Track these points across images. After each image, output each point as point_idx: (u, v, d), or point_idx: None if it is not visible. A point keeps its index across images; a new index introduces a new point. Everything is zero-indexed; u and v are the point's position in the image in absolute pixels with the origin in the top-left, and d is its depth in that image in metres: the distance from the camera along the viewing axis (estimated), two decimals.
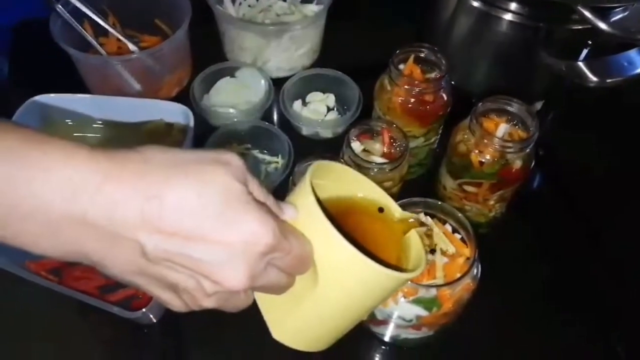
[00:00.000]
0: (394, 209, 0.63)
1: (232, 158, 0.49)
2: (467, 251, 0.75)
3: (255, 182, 0.50)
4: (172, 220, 0.44)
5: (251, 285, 0.49)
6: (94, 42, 1.08)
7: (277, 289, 0.54)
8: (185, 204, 0.45)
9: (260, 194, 0.50)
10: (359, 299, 0.55)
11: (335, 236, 0.50)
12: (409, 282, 0.68)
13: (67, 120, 0.99)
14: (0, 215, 0.43)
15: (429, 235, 0.76)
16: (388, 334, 0.81)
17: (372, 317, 0.78)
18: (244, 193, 0.48)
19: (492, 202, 0.90)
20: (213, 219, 0.45)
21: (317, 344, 0.60)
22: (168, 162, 0.47)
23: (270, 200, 0.51)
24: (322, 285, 0.53)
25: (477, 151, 0.83)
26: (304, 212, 0.53)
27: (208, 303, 0.49)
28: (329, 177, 0.59)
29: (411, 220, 0.62)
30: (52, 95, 0.96)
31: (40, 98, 0.96)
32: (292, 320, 0.57)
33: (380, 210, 0.62)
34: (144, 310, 0.75)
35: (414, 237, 0.62)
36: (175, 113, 0.96)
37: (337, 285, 0.53)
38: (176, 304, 0.50)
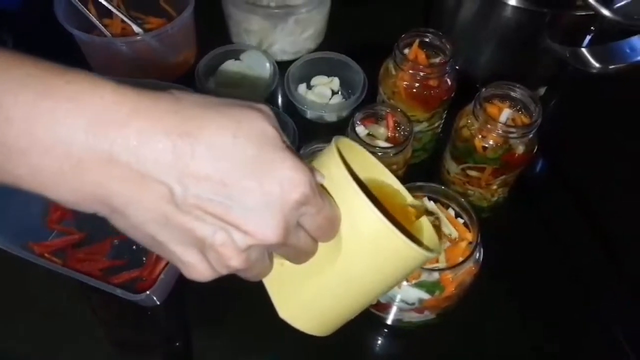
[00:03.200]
0: (405, 195, 0.63)
1: (264, 106, 0.46)
2: (469, 235, 0.76)
3: (284, 136, 0.47)
4: (206, 161, 0.41)
5: (284, 240, 0.45)
6: (98, 24, 1.08)
7: (301, 255, 0.51)
8: (221, 144, 0.42)
9: (291, 146, 0.47)
10: (380, 275, 0.54)
11: (368, 205, 0.49)
12: None
13: None
14: (19, 149, 0.39)
15: (436, 225, 0.76)
16: (390, 317, 0.82)
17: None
18: (279, 139, 0.45)
19: (494, 187, 0.90)
20: (249, 162, 0.43)
21: (324, 327, 0.58)
22: (200, 102, 0.44)
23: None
24: (344, 258, 0.51)
25: (480, 136, 0.83)
26: (331, 178, 0.51)
27: (236, 262, 0.46)
28: (345, 155, 0.56)
29: (419, 207, 0.62)
30: None
31: None
32: (304, 296, 0.55)
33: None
34: (147, 292, 0.75)
35: (425, 222, 0.62)
36: None
37: (361, 258, 0.52)
38: (200, 268, 0.47)
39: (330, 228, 0.50)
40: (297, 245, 0.49)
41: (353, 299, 0.56)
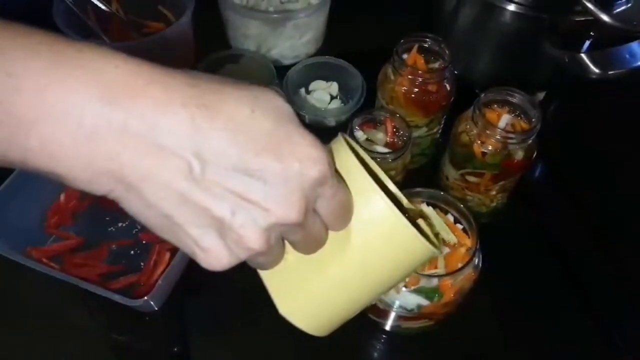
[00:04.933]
0: (401, 198, 0.63)
1: (277, 89, 0.45)
2: (468, 241, 0.75)
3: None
4: (225, 134, 0.40)
5: (303, 220, 0.44)
6: (97, 29, 1.08)
7: (312, 243, 0.50)
8: (239, 117, 0.41)
9: None
10: (386, 269, 0.53)
11: (380, 196, 0.49)
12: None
13: None
14: (30, 119, 0.37)
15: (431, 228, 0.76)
16: (389, 323, 0.82)
17: (373, 306, 0.79)
18: (295, 115, 0.44)
19: (493, 193, 0.90)
20: (267, 137, 0.42)
21: (324, 325, 0.56)
22: (216, 79, 0.43)
23: None
24: (352, 251, 0.50)
25: (479, 142, 0.83)
26: (340, 168, 0.50)
27: (257, 244, 0.43)
28: None
29: (414, 211, 0.62)
30: None
31: None
32: (306, 291, 0.53)
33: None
34: (145, 298, 0.75)
35: (422, 224, 0.62)
36: None
37: (369, 251, 0.51)
38: (219, 253, 0.44)
39: (344, 214, 0.49)
40: (312, 230, 0.48)
41: (357, 297, 0.55)
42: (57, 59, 0.38)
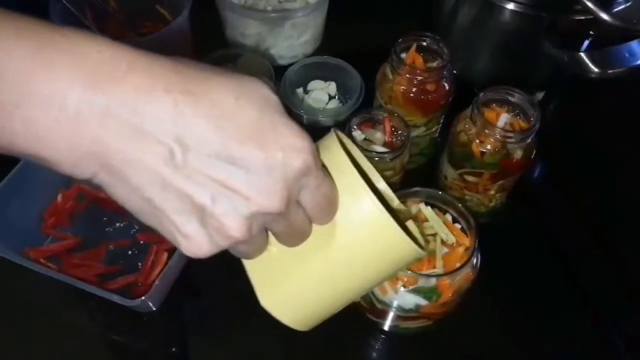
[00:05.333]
0: (392, 199, 0.63)
1: (265, 78, 0.45)
2: (467, 241, 0.75)
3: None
4: (208, 121, 0.40)
5: (285, 210, 0.44)
6: (94, 28, 1.07)
7: (295, 236, 0.50)
8: (223, 104, 0.41)
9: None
10: (370, 268, 0.52)
11: (368, 194, 0.49)
12: (409, 271, 0.69)
13: None
14: (14, 103, 0.38)
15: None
16: (387, 323, 0.82)
17: (371, 306, 0.78)
18: (281, 105, 0.44)
19: (492, 192, 0.90)
20: (251, 125, 0.42)
21: (306, 320, 0.56)
22: (201, 66, 0.43)
23: None
24: (336, 247, 0.50)
25: (478, 141, 0.83)
26: (331, 163, 0.50)
27: (238, 232, 0.43)
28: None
29: (404, 212, 0.62)
30: None
31: None
32: (289, 285, 0.53)
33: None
34: (143, 298, 0.75)
35: (410, 227, 0.62)
36: None
37: (354, 248, 0.51)
38: (200, 240, 0.44)
39: (328, 208, 0.49)
40: (295, 222, 0.48)
41: (339, 292, 0.55)
42: (41, 43, 0.38)
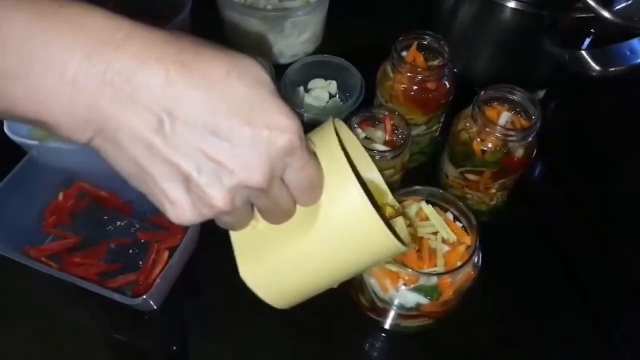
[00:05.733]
0: (387, 193, 0.63)
1: (261, 59, 0.47)
2: (468, 239, 0.75)
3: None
4: (198, 93, 0.42)
5: (267, 186, 0.46)
6: None
7: (278, 213, 0.52)
8: (214, 77, 0.42)
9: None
10: (349, 255, 0.54)
11: (352, 179, 0.50)
12: (410, 270, 0.69)
13: None
14: (15, 71, 0.40)
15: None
16: (388, 322, 0.81)
17: (372, 305, 0.78)
18: (272, 86, 0.46)
19: (493, 191, 0.90)
20: (240, 101, 0.43)
21: (281, 297, 0.57)
22: (197, 40, 0.44)
23: None
24: (318, 230, 0.52)
25: (479, 139, 0.83)
26: (322, 149, 0.52)
27: (221, 202, 0.45)
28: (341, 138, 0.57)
29: (397, 208, 0.63)
30: None
31: None
32: (269, 261, 0.55)
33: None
34: (144, 296, 0.75)
35: (400, 223, 0.63)
36: None
37: (335, 234, 0.52)
38: (185, 207, 0.46)
39: (311, 190, 0.51)
40: (278, 199, 0.49)
41: (316, 275, 0.56)
42: (40, 13, 0.40)
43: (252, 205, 0.51)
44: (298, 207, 0.53)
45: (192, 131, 0.42)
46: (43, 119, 0.42)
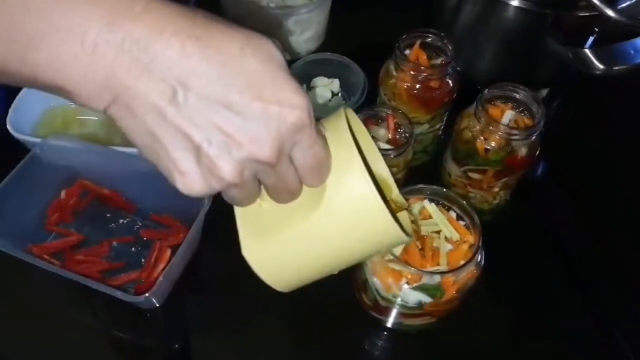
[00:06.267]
0: (393, 187, 0.64)
1: (274, 39, 0.47)
2: (471, 238, 0.75)
3: None
4: (212, 66, 0.43)
5: (276, 161, 0.47)
6: None
7: (284, 192, 0.52)
8: (228, 52, 0.43)
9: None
10: (351, 242, 0.55)
11: (359, 166, 0.50)
12: (413, 268, 0.69)
13: (69, 103, 0.99)
14: (38, 37, 0.41)
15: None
16: (390, 320, 0.81)
17: (374, 303, 0.78)
18: (284, 63, 0.47)
19: (496, 190, 0.90)
20: (252, 76, 0.44)
21: (282, 280, 0.58)
22: (213, 16, 0.45)
23: None
24: (322, 214, 0.52)
25: (482, 138, 0.83)
26: (332, 134, 0.53)
27: (229, 175, 0.46)
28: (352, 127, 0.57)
29: (401, 203, 0.64)
30: None
31: None
32: (272, 241, 0.55)
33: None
34: (147, 294, 0.75)
35: (403, 218, 0.64)
36: None
37: (338, 218, 0.53)
38: (194, 177, 0.46)
39: (318, 170, 0.51)
40: (285, 176, 0.50)
41: (317, 258, 0.56)
42: None
43: (259, 184, 0.52)
44: (304, 189, 0.53)
45: (205, 103, 0.43)
46: (62, 86, 0.43)
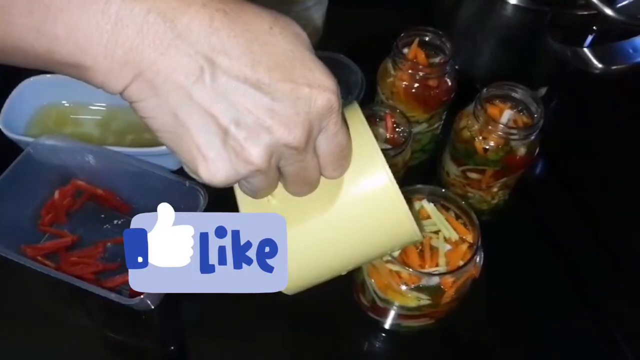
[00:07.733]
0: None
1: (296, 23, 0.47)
2: (470, 238, 0.75)
3: None
4: (241, 41, 0.41)
5: (303, 147, 0.45)
6: None
7: (303, 182, 0.50)
8: (258, 29, 0.42)
9: None
10: (366, 237, 0.54)
11: (381, 160, 0.50)
12: (412, 270, 0.69)
13: (63, 102, 0.99)
14: (58, 6, 0.39)
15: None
16: (389, 321, 0.81)
17: (372, 304, 0.78)
18: (311, 46, 0.45)
19: (495, 189, 0.89)
20: (282, 55, 0.42)
21: (292, 282, 0.54)
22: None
23: None
24: (338, 208, 0.51)
25: (481, 137, 0.82)
26: (350, 127, 0.51)
27: (257, 158, 0.43)
28: None
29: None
30: (48, 75, 0.95)
31: (36, 79, 0.95)
32: None
33: None
34: (141, 296, 0.74)
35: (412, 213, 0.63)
36: None
37: (355, 211, 0.52)
38: (220, 164, 0.44)
39: (341, 159, 0.50)
40: (308, 165, 0.48)
41: (328, 257, 0.55)
42: None
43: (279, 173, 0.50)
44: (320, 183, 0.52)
45: (233, 82, 0.41)
46: (80, 62, 0.40)
